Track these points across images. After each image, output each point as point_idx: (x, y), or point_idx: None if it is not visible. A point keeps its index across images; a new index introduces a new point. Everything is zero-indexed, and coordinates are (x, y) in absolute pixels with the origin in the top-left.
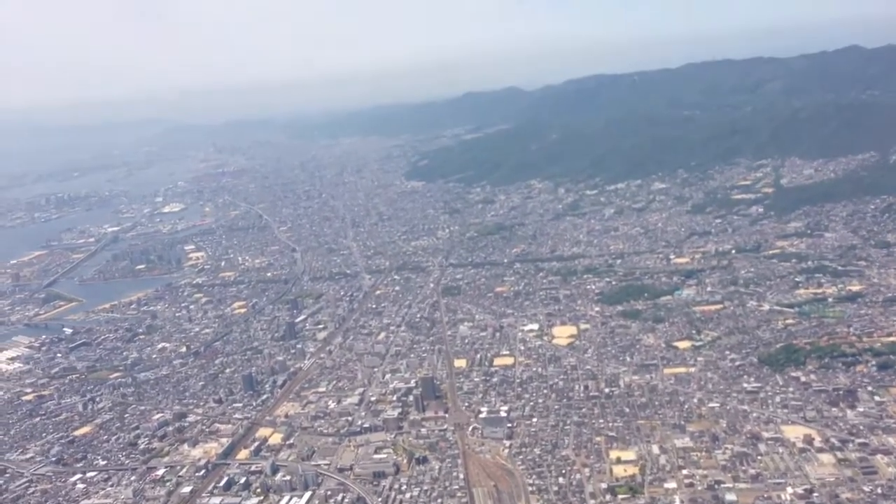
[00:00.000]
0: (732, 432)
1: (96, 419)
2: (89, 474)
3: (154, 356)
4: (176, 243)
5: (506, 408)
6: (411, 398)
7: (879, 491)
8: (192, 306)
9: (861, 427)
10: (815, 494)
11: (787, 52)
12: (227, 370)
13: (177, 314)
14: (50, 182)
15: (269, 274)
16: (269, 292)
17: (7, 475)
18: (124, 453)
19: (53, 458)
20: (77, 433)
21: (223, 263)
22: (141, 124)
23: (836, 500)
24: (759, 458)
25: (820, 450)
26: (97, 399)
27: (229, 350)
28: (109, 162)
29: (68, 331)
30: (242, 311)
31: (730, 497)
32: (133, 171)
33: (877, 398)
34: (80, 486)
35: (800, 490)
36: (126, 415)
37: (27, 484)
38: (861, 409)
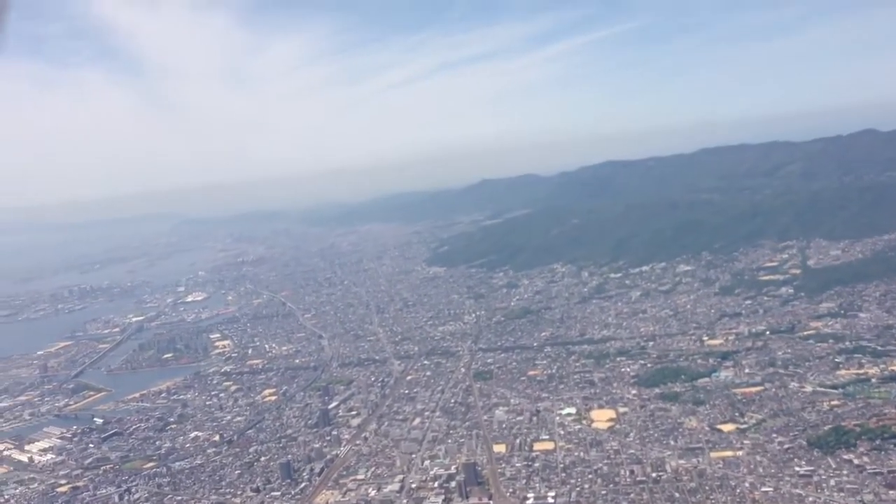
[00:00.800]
0: None
1: None
2: None
3: (187, 445)
4: (201, 332)
5: (552, 493)
6: (453, 485)
7: None
8: (222, 394)
9: None
10: None
11: (803, 136)
12: (263, 458)
13: (207, 402)
14: (70, 274)
15: (296, 361)
16: (299, 379)
17: None
18: None
19: None
20: None
21: (250, 351)
22: (149, 219)
23: None
24: None
25: None
26: (133, 490)
27: (263, 438)
28: (128, 254)
29: (99, 421)
30: (273, 398)
31: None
32: (153, 262)
33: None
34: None
35: None
36: None
37: None
38: None
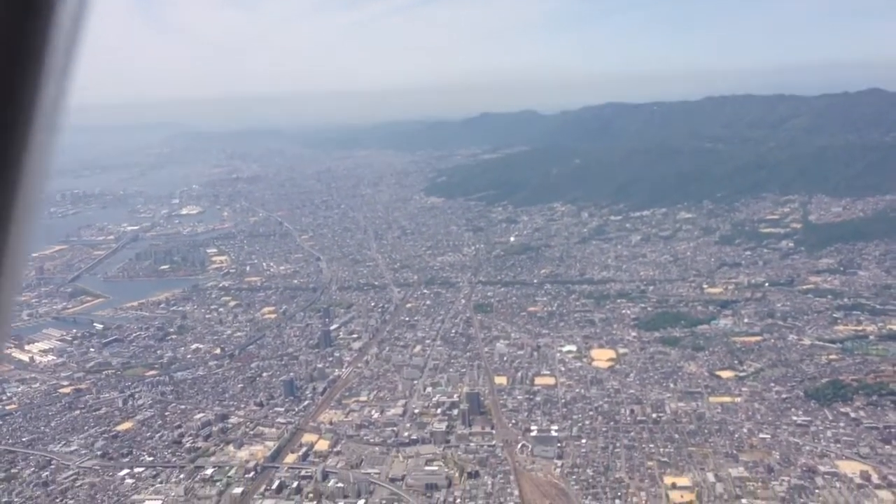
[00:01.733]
0: (786, 464)
1: (137, 415)
2: (136, 470)
3: (189, 356)
4: (198, 246)
5: (555, 427)
6: (456, 412)
7: None
8: (221, 309)
9: None
10: None
11: (809, 90)
12: (264, 374)
13: (207, 316)
14: (62, 179)
15: (295, 281)
16: (298, 299)
17: (53, 466)
18: (169, 451)
19: (99, 452)
20: (119, 428)
21: (248, 268)
22: (143, 128)
23: None
24: (816, 491)
25: (878, 486)
26: (136, 396)
27: (264, 354)
28: (120, 162)
29: (99, 326)
30: (273, 316)
31: None
32: (145, 172)
33: None
34: (129, 481)
35: None
36: (167, 413)
37: (74, 476)
38: None
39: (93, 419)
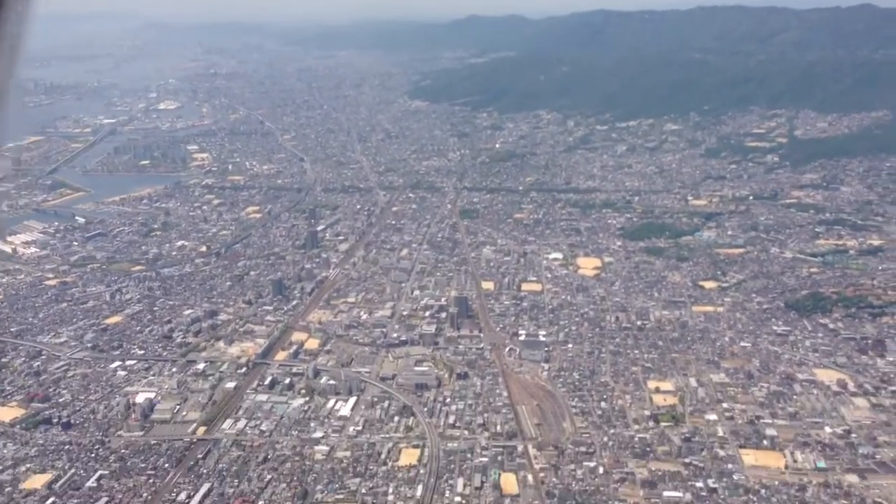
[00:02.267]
0: (766, 372)
1: (126, 310)
2: (128, 362)
3: (174, 253)
4: (178, 142)
5: (543, 332)
6: (444, 315)
7: None
8: (205, 207)
9: (892, 375)
10: (854, 435)
11: (800, 2)
12: (252, 273)
13: (190, 213)
14: (30, 69)
15: (279, 181)
16: (283, 200)
17: (43, 357)
18: (160, 345)
19: (89, 345)
20: (108, 322)
21: (230, 167)
22: (108, 17)
23: (874, 442)
24: (794, 397)
25: (854, 394)
26: (123, 290)
27: (251, 253)
28: (91, 52)
29: (81, 220)
30: (257, 215)
31: (770, 432)
32: (118, 64)
33: None
34: (121, 373)
35: (838, 430)
36: (155, 308)
37: (66, 367)
38: (891, 359)
39: (81, 312)
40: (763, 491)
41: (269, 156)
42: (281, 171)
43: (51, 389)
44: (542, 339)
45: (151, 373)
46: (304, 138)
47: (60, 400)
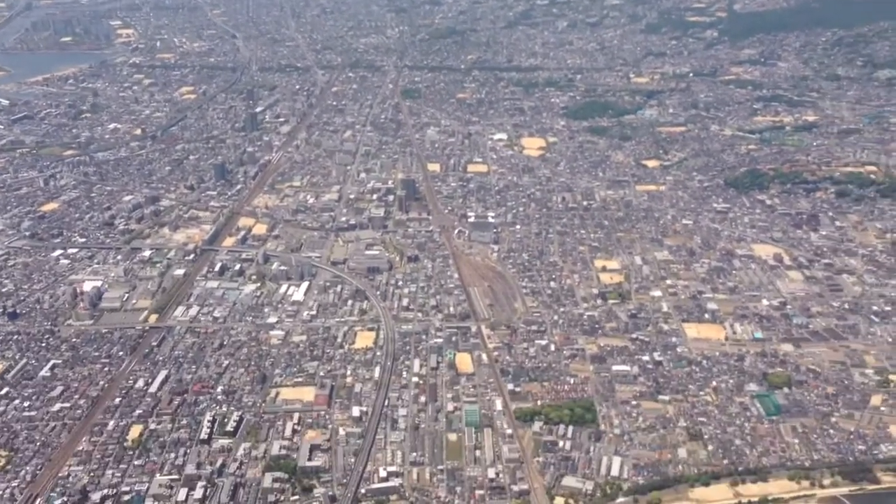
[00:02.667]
0: (707, 248)
1: (62, 196)
2: (70, 250)
3: (107, 136)
4: (100, 17)
5: (491, 214)
6: (391, 199)
7: (846, 307)
8: (135, 87)
9: (825, 249)
10: (789, 307)
11: None
12: (191, 157)
13: (120, 94)
14: None
15: (211, 60)
16: (217, 79)
17: None
18: (102, 232)
19: (27, 233)
20: (45, 209)
21: (158, 44)
22: None
23: (808, 313)
24: (734, 272)
25: (789, 267)
26: (57, 176)
27: (188, 136)
28: None
29: (4, 102)
30: (192, 96)
31: (711, 306)
32: None
33: (837, 223)
34: (64, 261)
35: (774, 302)
36: (93, 194)
37: (5, 256)
38: (824, 233)
39: (14, 199)
40: (704, 362)
41: (199, 32)
42: (213, 48)
43: None
44: (490, 220)
45: (95, 261)
46: (234, 13)
47: (3, 290)
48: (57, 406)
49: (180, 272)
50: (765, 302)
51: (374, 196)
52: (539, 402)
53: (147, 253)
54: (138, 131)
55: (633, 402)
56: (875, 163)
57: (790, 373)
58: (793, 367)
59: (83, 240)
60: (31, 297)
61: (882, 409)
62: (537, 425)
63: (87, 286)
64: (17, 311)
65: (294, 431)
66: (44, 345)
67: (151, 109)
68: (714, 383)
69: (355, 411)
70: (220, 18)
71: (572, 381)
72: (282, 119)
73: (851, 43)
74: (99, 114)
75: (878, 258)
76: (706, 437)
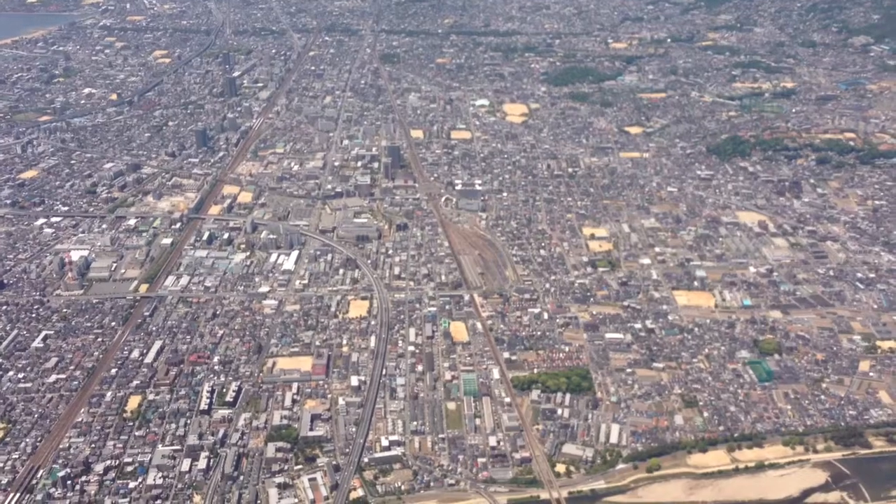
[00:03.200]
0: (692, 215)
1: (40, 163)
2: (54, 219)
3: (83, 101)
4: None
5: (478, 181)
6: (377, 166)
7: (831, 273)
8: (107, 50)
9: (808, 216)
10: (775, 274)
11: None
12: (171, 123)
13: (93, 58)
14: None
15: (184, 22)
16: (191, 43)
17: None
18: (84, 200)
19: (8, 201)
20: (23, 176)
21: (128, 6)
22: None
23: (794, 280)
24: (720, 239)
25: (774, 234)
26: (34, 143)
27: (166, 102)
28: None
29: None
30: (166, 60)
31: (700, 273)
32: None
33: (819, 190)
34: (48, 230)
35: (762, 270)
36: (72, 161)
37: None
38: (806, 200)
39: None
40: (696, 329)
41: None
42: (184, 10)
43: None
44: (478, 188)
45: (80, 230)
46: None
47: None
48: (53, 377)
49: (167, 241)
50: (752, 269)
51: (359, 163)
52: (535, 371)
53: (132, 221)
54: (114, 96)
55: (628, 370)
56: (853, 129)
57: (780, 339)
58: (782, 333)
59: (66, 208)
60: (17, 267)
61: (871, 374)
62: (535, 393)
63: (74, 255)
64: (4, 281)
65: (293, 401)
66: (34, 315)
67: (126, 74)
68: (706, 350)
69: (354, 381)
70: None
71: (567, 349)
72: (260, 84)
73: (826, 9)
74: (72, 78)
75: (859, 225)
76: (701, 403)
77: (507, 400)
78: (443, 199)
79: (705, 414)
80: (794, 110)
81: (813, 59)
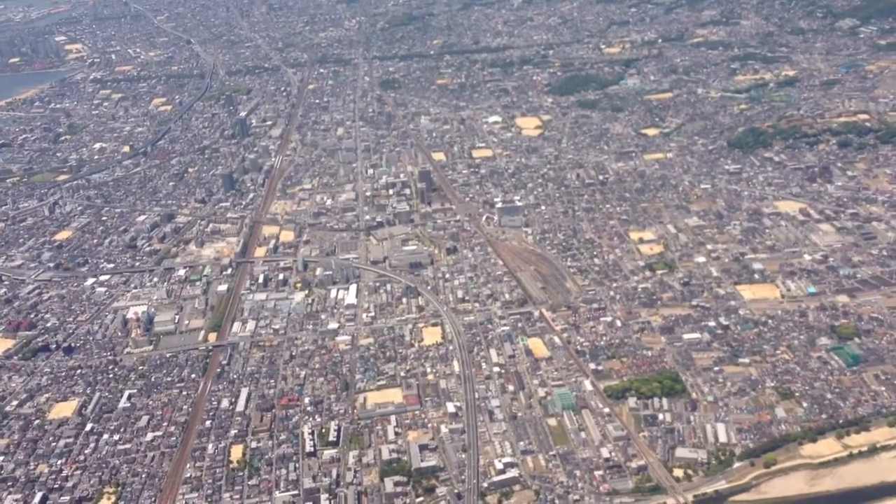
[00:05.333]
0: (733, 210)
1: (72, 223)
2: (102, 277)
3: (96, 157)
4: (41, 34)
5: (517, 197)
6: (408, 192)
7: (885, 253)
8: (105, 104)
9: (845, 199)
10: (831, 259)
11: None
12: (190, 170)
13: (93, 112)
14: None
15: (174, 68)
16: (188, 87)
17: (6, 283)
18: (127, 255)
19: (51, 264)
20: (59, 238)
21: (113, 57)
22: None
23: (850, 263)
24: (767, 230)
25: (818, 221)
26: (60, 203)
27: (180, 149)
28: None
29: None
30: (167, 108)
31: (757, 266)
32: None
33: (849, 173)
34: (100, 289)
35: (817, 256)
36: (103, 217)
37: (37, 291)
38: (839, 184)
39: (23, 230)
40: (770, 321)
41: (151, 40)
42: (171, 56)
43: (31, 315)
44: (519, 204)
45: (132, 285)
46: (180, 17)
47: (48, 325)
48: (149, 436)
49: (223, 288)
50: (807, 257)
51: (391, 191)
52: (625, 378)
53: (182, 272)
54: (126, 148)
55: (716, 369)
56: (866, 111)
57: (855, 323)
58: (855, 317)
59: (111, 265)
60: (79, 330)
61: None
62: (632, 401)
63: (132, 312)
64: (72, 344)
65: (396, 434)
66: (111, 376)
67: (131, 125)
68: (786, 341)
69: (450, 407)
70: (168, 24)
71: (649, 353)
72: (269, 122)
73: None
74: (78, 134)
75: None
76: (797, 394)
77: (606, 411)
78: (483, 217)
79: (804, 404)
80: (802, 97)
81: (805, 45)
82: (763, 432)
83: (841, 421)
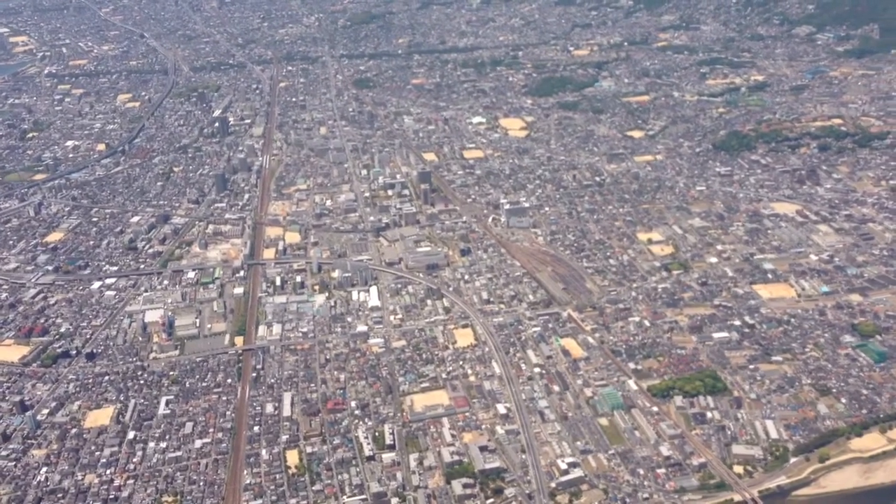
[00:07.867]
0: (732, 211)
1: (61, 224)
2: (108, 280)
3: (71, 155)
4: None
5: (523, 198)
6: (408, 193)
7: (886, 253)
8: (67, 99)
9: (836, 201)
10: (837, 259)
11: None
12: (175, 169)
13: (56, 108)
14: None
15: (133, 63)
16: (153, 84)
17: (7, 287)
18: (129, 258)
19: (50, 268)
20: (51, 239)
21: (65, 50)
22: None
23: (856, 262)
24: (769, 231)
25: (816, 222)
26: (45, 203)
27: (160, 148)
28: None
29: None
30: (136, 104)
31: (768, 266)
32: None
33: (834, 176)
34: (109, 293)
35: (823, 256)
36: (94, 219)
37: (42, 295)
38: (828, 186)
39: (10, 232)
40: (792, 320)
41: (102, 34)
42: (127, 51)
43: (41, 321)
44: (525, 205)
45: (142, 288)
46: (127, 10)
47: (61, 330)
48: (198, 443)
49: (238, 290)
50: (813, 257)
51: (390, 192)
52: (665, 377)
53: (191, 274)
54: (101, 147)
55: (751, 367)
56: (840, 115)
57: (873, 321)
58: (871, 315)
59: (114, 268)
60: (97, 335)
61: None
62: (677, 399)
63: (150, 316)
64: (94, 350)
65: (452, 436)
66: (142, 382)
67: (101, 122)
68: (812, 340)
69: (500, 408)
70: (115, 17)
71: (683, 352)
72: (247, 121)
73: (762, 2)
74: (46, 131)
75: (886, 205)
76: (834, 391)
77: (654, 409)
78: (490, 218)
79: (843, 400)
80: (776, 101)
81: (766, 51)
82: (810, 428)
83: (881, 416)
